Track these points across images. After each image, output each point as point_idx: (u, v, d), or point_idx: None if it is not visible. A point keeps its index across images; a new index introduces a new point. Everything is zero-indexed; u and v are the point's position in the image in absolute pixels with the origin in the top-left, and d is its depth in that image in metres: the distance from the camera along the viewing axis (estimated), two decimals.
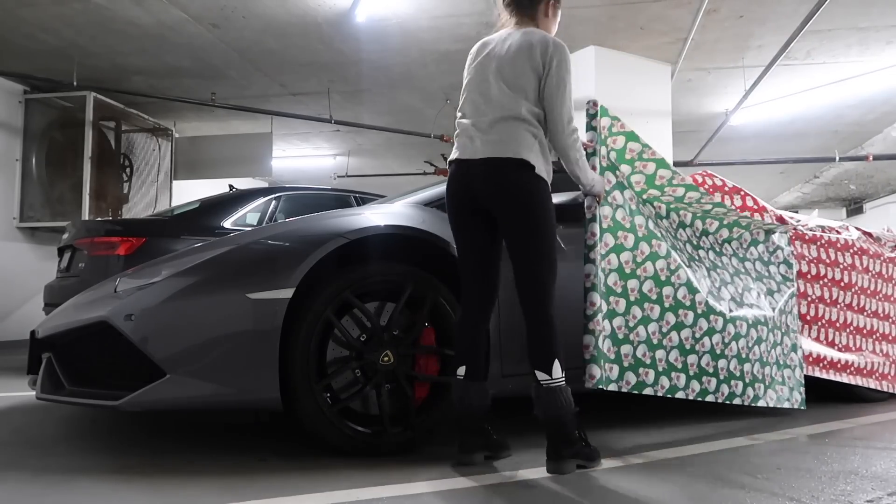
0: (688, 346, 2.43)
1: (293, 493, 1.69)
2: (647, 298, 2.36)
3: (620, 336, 2.30)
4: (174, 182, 8.40)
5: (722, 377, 2.52)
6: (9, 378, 3.95)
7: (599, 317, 2.22)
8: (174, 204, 7.74)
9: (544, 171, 2.02)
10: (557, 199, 2.31)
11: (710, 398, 2.47)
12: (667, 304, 2.39)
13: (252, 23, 5.71)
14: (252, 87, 7.36)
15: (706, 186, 2.96)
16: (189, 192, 7.15)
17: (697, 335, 2.44)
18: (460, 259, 2.11)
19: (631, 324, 2.32)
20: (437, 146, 8.99)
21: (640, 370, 2.32)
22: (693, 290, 2.45)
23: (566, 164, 2.11)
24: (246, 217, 4.45)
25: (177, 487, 1.73)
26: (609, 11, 5.37)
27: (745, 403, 2.58)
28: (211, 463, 1.99)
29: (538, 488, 1.76)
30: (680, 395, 2.39)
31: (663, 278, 2.39)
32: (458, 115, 2.14)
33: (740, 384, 2.56)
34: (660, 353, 2.36)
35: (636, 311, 2.34)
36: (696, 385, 2.44)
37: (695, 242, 2.71)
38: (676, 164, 7.22)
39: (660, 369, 2.36)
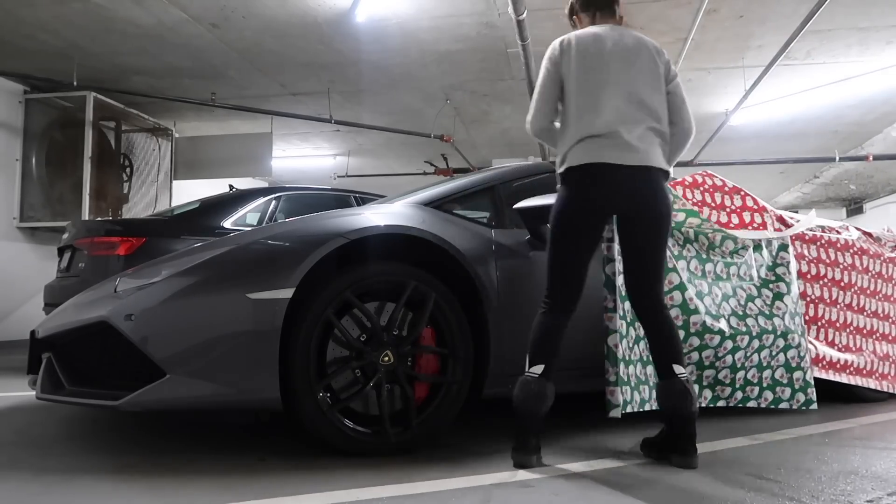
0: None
1: (293, 493, 1.69)
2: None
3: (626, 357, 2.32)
4: (174, 182, 8.41)
5: (705, 384, 2.60)
6: (9, 378, 3.95)
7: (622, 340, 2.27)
8: (174, 204, 7.74)
9: None
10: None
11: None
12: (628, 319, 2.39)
13: (252, 23, 5.72)
14: (252, 87, 7.37)
15: (706, 186, 2.96)
16: (189, 192, 7.15)
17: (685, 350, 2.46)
18: (566, 260, 2.08)
19: (630, 344, 2.34)
20: (437, 146, 8.99)
21: (642, 387, 2.35)
22: (688, 312, 2.48)
23: (672, 164, 2.21)
24: (246, 217, 4.45)
25: (177, 487, 1.73)
26: None
27: (731, 405, 2.65)
28: (211, 463, 1.99)
29: (538, 488, 1.76)
30: (648, 406, 2.37)
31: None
32: (577, 115, 2.08)
33: (728, 389, 2.62)
34: (631, 369, 2.35)
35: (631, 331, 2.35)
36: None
37: (704, 256, 2.69)
38: (676, 164, 7.19)
39: (632, 384, 2.34)
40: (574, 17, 2.33)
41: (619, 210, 2.07)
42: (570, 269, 2.08)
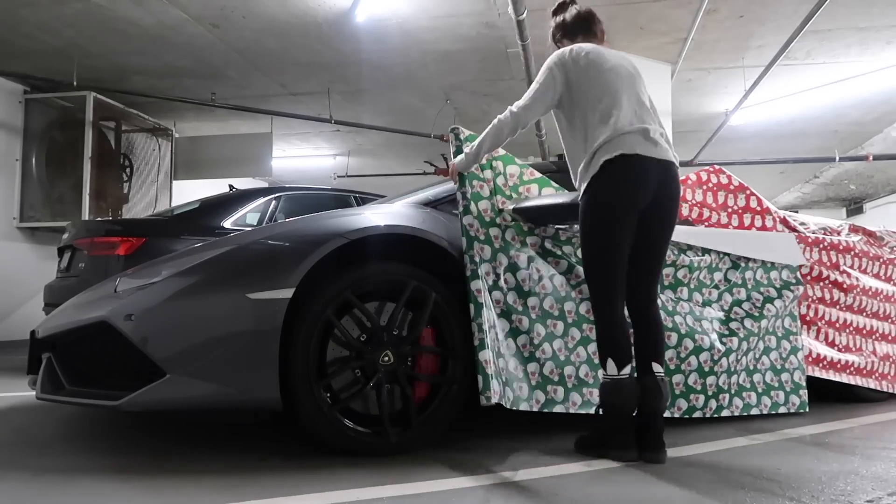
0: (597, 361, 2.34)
1: (293, 493, 1.69)
2: (550, 315, 2.34)
3: (526, 354, 2.29)
4: (174, 182, 8.40)
5: (703, 390, 2.56)
6: (9, 378, 3.95)
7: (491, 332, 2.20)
8: (174, 204, 7.74)
9: None
10: (557, 199, 2.31)
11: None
12: (570, 320, 2.37)
13: (252, 23, 5.71)
14: (252, 87, 7.37)
15: (710, 185, 2.95)
16: (189, 192, 7.15)
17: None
18: (616, 254, 2.09)
19: (536, 341, 2.30)
20: (437, 146, 8.98)
21: (549, 387, 2.29)
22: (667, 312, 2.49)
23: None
24: (246, 217, 4.45)
25: (177, 487, 1.73)
26: (609, 11, 5.37)
27: (735, 413, 2.63)
28: (211, 463, 1.99)
29: (538, 488, 1.76)
30: (559, 408, 2.30)
31: (563, 294, 2.38)
32: (602, 115, 2.12)
33: (702, 397, 2.56)
34: (569, 370, 2.33)
35: (539, 328, 2.32)
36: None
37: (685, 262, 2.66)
38: None
39: (569, 385, 2.32)
40: (558, 44, 2.38)
41: (646, 202, 2.09)
42: (619, 260, 2.09)
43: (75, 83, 6.60)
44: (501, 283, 2.29)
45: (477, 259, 2.23)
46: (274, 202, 4.63)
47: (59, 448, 2.19)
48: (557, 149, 9.09)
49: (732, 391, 2.63)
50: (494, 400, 2.07)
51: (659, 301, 2.48)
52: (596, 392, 2.32)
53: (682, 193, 2.88)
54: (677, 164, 2.15)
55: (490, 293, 2.26)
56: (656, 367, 2.08)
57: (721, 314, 2.67)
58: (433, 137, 8.22)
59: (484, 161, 2.42)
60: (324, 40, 6.07)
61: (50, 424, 2.57)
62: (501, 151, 2.51)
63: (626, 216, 2.08)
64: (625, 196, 2.08)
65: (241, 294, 1.96)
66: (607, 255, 2.09)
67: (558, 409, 2.29)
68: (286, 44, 6.17)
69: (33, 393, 2.22)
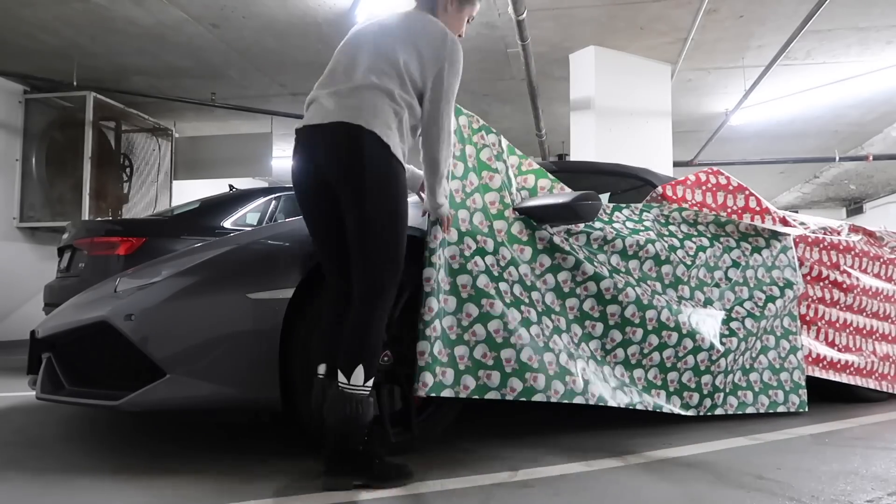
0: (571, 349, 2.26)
1: (293, 493, 1.69)
2: (485, 294, 2.15)
3: (453, 337, 2.10)
4: (174, 182, 8.40)
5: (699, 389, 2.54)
6: (9, 378, 3.95)
7: (436, 321, 2.05)
8: (174, 204, 7.74)
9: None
10: (558, 199, 2.31)
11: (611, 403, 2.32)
12: (508, 300, 2.20)
13: (252, 23, 5.71)
14: (252, 87, 7.37)
15: (709, 185, 2.96)
16: (189, 192, 7.15)
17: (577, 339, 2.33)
18: (315, 243, 1.98)
19: (465, 322, 2.12)
20: None
21: (481, 372, 2.11)
22: (643, 308, 2.43)
23: (430, 176, 1.94)
24: (246, 217, 4.45)
25: (177, 488, 1.73)
26: (609, 11, 5.37)
27: (728, 412, 2.62)
28: (211, 463, 1.99)
29: (538, 488, 1.76)
30: (539, 397, 2.14)
31: (528, 283, 2.26)
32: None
33: (696, 395, 2.54)
34: (507, 353, 2.13)
35: (471, 308, 2.12)
36: (559, 386, 2.19)
37: (664, 257, 2.61)
38: (676, 164, 7.21)
39: (507, 370, 2.12)
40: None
41: (320, 178, 1.93)
42: (319, 249, 1.96)
43: (75, 83, 6.60)
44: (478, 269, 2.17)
45: (433, 246, 2.10)
46: (274, 202, 4.63)
47: (59, 448, 2.19)
48: (557, 149, 9.10)
49: (727, 390, 2.63)
50: (422, 393, 1.99)
51: (662, 300, 2.48)
52: (543, 377, 2.15)
53: (682, 193, 2.90)
54: (358, 124, 1.78)
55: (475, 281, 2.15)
56: (340, 376, 1.76)
57: (723, 313, 2.66)
58: None
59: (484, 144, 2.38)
60: (324, 40, 6.07)
61: (50, 424, 2.57)
62: (505, 142, 2.49)
63: (305, 200, 1.94)
64: (294, 177, 1.95)
65: (241, 294, 1.96)
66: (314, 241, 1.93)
67: (492, 395, 2.12)
68: (286, 44, 6.17)
69: (33, 393, 2.22)
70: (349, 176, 1.80)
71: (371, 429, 1.80)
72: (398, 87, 1.86)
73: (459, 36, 2.09)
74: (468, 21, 2.13)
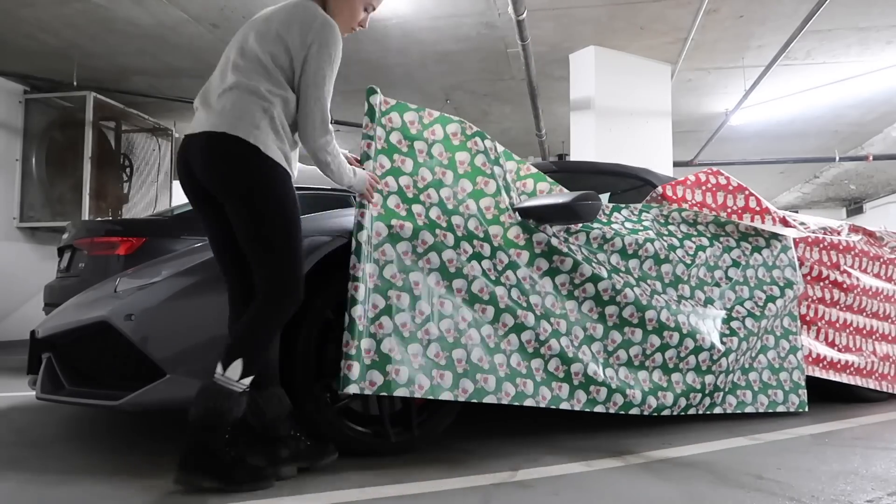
0: (492, 345, 2.14)
1: (293, 493, 1.69)
2: (438, 293, 2.08)
3: (406, 335, 2.01)
4: (174, 182, 8.40)
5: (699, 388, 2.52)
6: (9, 378, 3.95)
7: (383, 317, 1.99)
8: (174, 204, 7.74)
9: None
10: (558, 199, 2.31)
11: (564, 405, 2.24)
12: (460, 300, 2.12)
13: None
14: None
15: (709, 185, 2.96)
16: None
17: (501, 332, 2.18)
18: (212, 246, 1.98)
19: (418, 320, 2.04)
20: None
21: (434, 372, 2.03)
22: (641, 308, 2.40)
23: (317, 165, 1.89)
24: None
25: (177, 487, 1.73)
26: (609, 11, 5.37)
27: (727, 411, 2.62)
28: None
29: (537, 488, 1.76)
30: (490, 399, 2.07)
31: (453, 270, 2.13)
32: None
33: (698, 395, 2.52)
34: (458, 353, 2.06)
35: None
36: (510, 388, 2.14)
37: (663, 256, 2.59)
38: (676, 164, 7.22)
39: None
40: None
41: (205, 186, 1.87)
42: (216, 252, 1.94)
43: (75, 83, 6.60)
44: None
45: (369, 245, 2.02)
46: None
47: (59, 448, 2.19)
48: (557, 149, 9.10)
49: (726, 389, 2.63)
50: (369, 391, 1.92)
51: (662, 300, 2.48)
52: (493, 379, 2.09)
53: (682, 193, 2.90)
54: (221, 131, 1.74)
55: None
56: (217, 367, 1.71)
57: (723, 312, 2.66)
58: None
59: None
60: None
61: (50, 424, 2.57)
62: (501, 147, 2.48)
63: (195, 207, 1.91)
64: (182, 188, 1.89)
65: None
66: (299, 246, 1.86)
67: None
68: None
69: (33, 393, 2.22)
70: (224, 185, 1.77)
71: (242, 430, 1.75)
72: (265, 82, 1.79)
73: (360, 26, 2.01)
74: (367, 10, 2.00)
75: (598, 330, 2.38)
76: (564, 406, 2.23)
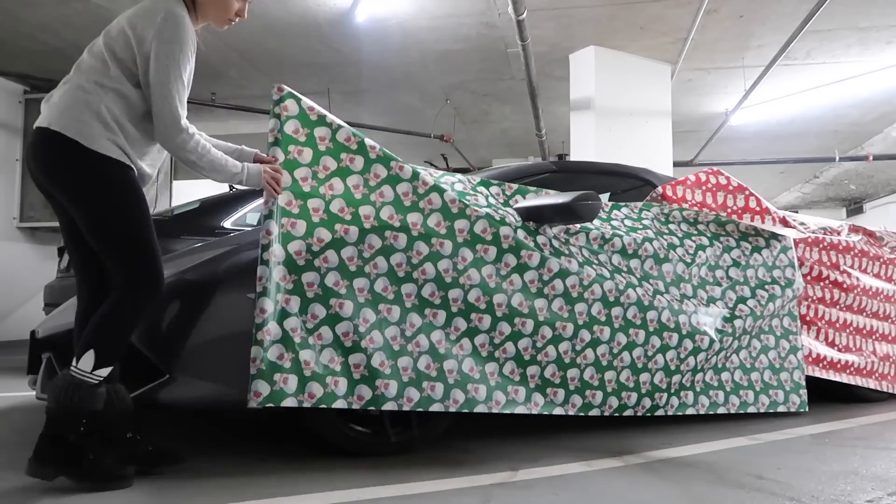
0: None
1: (293, 493, 1.69)
2: (334, 293, 1.94)
3: (297, 340, 1.87)
4: (174, 182, 8.40)
5: (698, 389, 2.52)
6: (9, 378, 3.95)
7: (270, 323, 1.85)
8: (174, 204, 7.74)
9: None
10: (557, 199, 2.31)
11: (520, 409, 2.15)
12: (362, 300, 1.98)
13: (252, 23, 5.71)
14: (252, 87, 7.36)
15: (709, 185, 2.95)
16: (189, 192, 7.15)
17: (453, 336, 2.09)
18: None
19: (310, 325, 1.91)
20: (437, 146, 8.99)
21: (329, 379, 1.89)
22: (644, 308, 2.38)
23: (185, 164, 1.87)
24: (246, 217, 4.45)
25: (177, 487, 1.73)
26: (609, 11, 5.37)
27: (731, 411, 2.62)
28: (211, 463, 1.99)
29: (538, 488, 1.76)
30: (390, 406, 1.95)
31: (402, 275, 2.03)
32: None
33: (690, 394, 2.52)
34: (356, 358, 1.94)
35: (318, 309, 1.92)
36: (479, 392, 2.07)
37: (662, 255, 2.57)
38: (676, 164, 7.21)
39: (356, 377, 1.93)
40: None
41: (47, 182, 1.86)
42: (66, 242, 1.91)
43: None
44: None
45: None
46: None
47: None
48: (557, 149, 9.11)
49: (728, 388, 2.63)
50: (253, 404, 1.80)
51: (664, 300, 2.47)
52: (440, 386, 2.01)
53: (682, 193, 2.90)
54: (45, 126, 1.74)
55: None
56: (74, 360, 1.70)
57: (726, 311, 2.66)
58: (433, 137, 8.22)
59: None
60: (324, 40, 6.07)
61: None
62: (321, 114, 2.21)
63: (49, 201, 1.87)
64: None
65: (241, 294, 1.96)
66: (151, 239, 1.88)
67: (339, 403, 1.91)
68: (286, 44, 6.17)
69: (33, 393, 2.22)
70: (50, 180, 1.77)
71: (100, 423, 1.70)
72: (98, 76, 1.78)
73: (238, 16, 2.01)
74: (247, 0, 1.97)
75: (605, 332, 2.34)
76: (558, 412, 2.22)
